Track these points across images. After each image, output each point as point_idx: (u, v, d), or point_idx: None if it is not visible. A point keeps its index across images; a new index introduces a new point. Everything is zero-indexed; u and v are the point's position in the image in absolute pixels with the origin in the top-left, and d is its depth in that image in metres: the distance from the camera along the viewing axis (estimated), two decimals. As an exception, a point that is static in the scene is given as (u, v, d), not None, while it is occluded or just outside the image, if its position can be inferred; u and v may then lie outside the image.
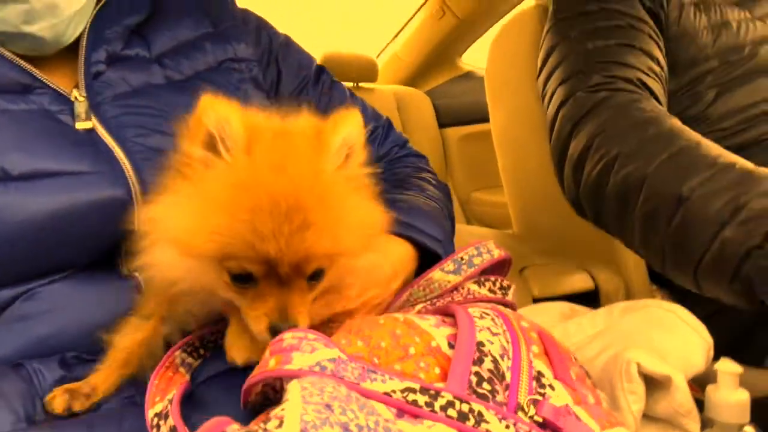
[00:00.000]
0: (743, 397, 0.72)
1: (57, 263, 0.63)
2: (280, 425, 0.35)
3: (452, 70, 2.53)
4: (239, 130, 0.50)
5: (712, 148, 0.86)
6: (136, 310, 0.62)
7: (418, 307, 0.67)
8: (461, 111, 2.45)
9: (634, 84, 1.00)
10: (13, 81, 0.66)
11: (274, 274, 0.49)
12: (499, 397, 0.49)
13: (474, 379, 0.48)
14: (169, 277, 0.52)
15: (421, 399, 0.44)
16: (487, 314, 0.58)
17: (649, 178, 0.83)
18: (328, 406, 0.36)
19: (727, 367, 0.73)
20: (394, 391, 0.44)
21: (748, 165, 0.83)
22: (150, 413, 0.51)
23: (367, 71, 2.46)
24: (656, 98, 1.01)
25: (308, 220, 0.48)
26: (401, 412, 0.43)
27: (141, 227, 0.53)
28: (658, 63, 1.05)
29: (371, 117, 0.89)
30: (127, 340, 0.60)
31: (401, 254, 0.68)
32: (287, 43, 0.87)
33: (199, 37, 0.78)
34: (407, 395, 0.44)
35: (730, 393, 0.72)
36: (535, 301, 0.97)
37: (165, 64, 0.74)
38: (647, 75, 1.02)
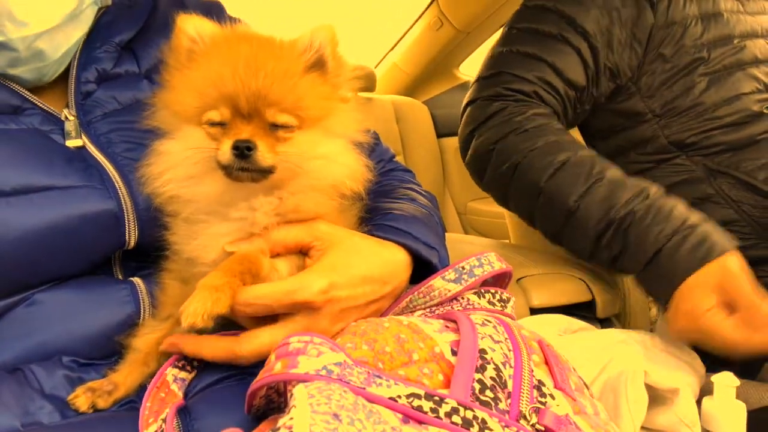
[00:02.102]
0: (740, 409, 0.72)
1: (52, 274, 0.63)
2: None
3: (450, 81, 2.55)
4: (213, 29, 0.63)
5: (586, 158, 1.00)
6: (154, 312, 0.64)
7: (418, 313, 0.67)
8: (459, 121, 2.47)
9: (530, 97, 1.09)
10: (4, 103, 0.67)
11: (240, 115, 0.58)
12: (502, 405, 0.49)
13: (477, 386, 0.48)
14: (173, 162, 0.61)
15: (426, 405, 0.44)
16: (489, 321, 0.58)
17: (543, 191, 1.00)
18: (336, 416, 0.37)
19: (725, 379, 0.74)
20: (399, 396, 0.44)
21: (617, 174, 0.98)
22: None
23: (366, 81, 2.47)
24: (556, 114, 1.11)
25: (263, 69, 0.59)
26: (407, 418, 0.43)
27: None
28: (569, 83, 1.10)
29: None
30: (145, 340, 0.61)
31: (396, 259, 0.68)
32: None
33: None
34: (412, 401, 0.44)
35: (727, 405, 0.72)
36: (533, 311, 0.97)
37: (153, 80, 0.75)
38: (546, 92, 1.10)
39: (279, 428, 0.36)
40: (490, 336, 0.55)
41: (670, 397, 0.71)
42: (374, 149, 0.89)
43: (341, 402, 0.38)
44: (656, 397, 0.71)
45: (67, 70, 0.71)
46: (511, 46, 1.15)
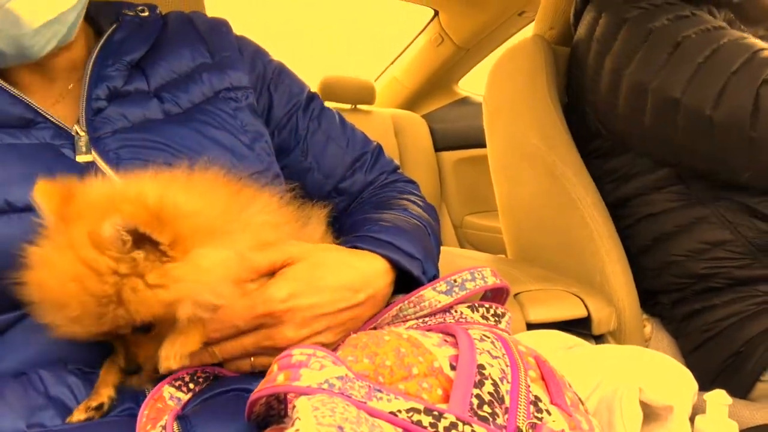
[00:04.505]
0: (732, 428, 0.73)
1: None
2: None
3: (449, 96, 2.57)
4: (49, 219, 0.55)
5: None
6: None
7: (410, 323, 0.68)
8: (457, 135, 2.49)
9: None
10: (15, 116, 0.67)
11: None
12: (499, 420, 0.50)
13: (475, 401, 0.49)
14: None
15: (426, 420, 0.45)
16: (487, 337, 0.59)
17: None
18: (341, 429, 0.37)
19: (717, 398, 0.75)
20: (399, 411, 0.45)
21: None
22: None
23: (365, 94, 2.50)
24: None
25: (79, 311, 0.52)
26: (406, 432, 0.44)
27: None
28: None
29: (361, 143, 0.90)
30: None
31: (372, 268, 0.69)
32: (280, 70, 0.89)
33: (196, 68, 0.79)
34: (412, 415, 0.45)
35: (720, 424, 0.73)
36: (529, 326, 0.98)
37: (163, 99, 0.75)
38: None
39: (285, 440, 0.37)
40: (488, 351, 0.56)
41: (663, 414, 0.71)
42: (377, 161, 0.90)
43: (345, 415, 0.39)
44: (650, 414, 0.72)
45: (77, 87, 0.72)
46: None
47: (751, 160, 0.97)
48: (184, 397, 0.60)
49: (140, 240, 0.52)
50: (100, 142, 0.70)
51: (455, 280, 0.70)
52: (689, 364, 0.93)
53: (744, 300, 1.03)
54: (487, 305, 0.71)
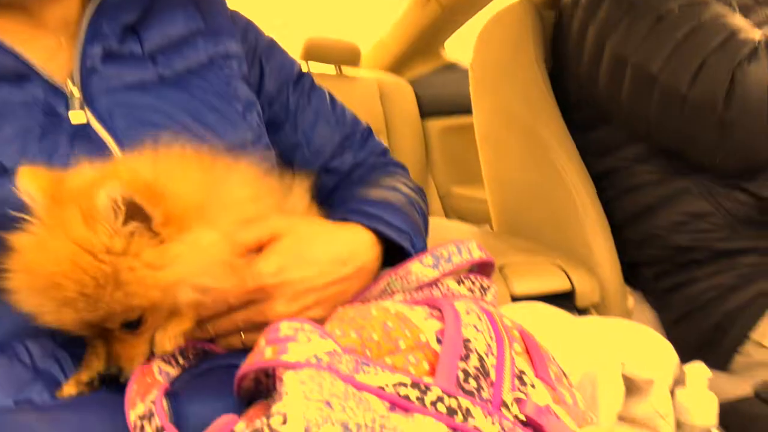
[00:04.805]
0: (712, 400, 0.75)
1: None
2: (284, 422, 0.35)
3: (436, 60, 2.53)
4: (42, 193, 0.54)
5: None
6: None
7: (397, 297, 0.68)
8: (444, 102, 2.46)
9: None
10: (8, 69, 0.65)
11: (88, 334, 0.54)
12: (485, 394, 0.50)
13: (461, 375, 0.49)
14: None
15: (413, 393, 0.45)
16: (473, 310, 0.59)
17: None
18: (328, 404, 0.37)
19: (698, 370, 0.76)
20: (387, 385, 0.44)
21: None
22: (132, 414, 0.51)
23: (350, 56, 2.45)
24: None
25: (72, 295, 0.50)
26: (393, 406, 0.43)
27: None
28: None
29: (350, 122, 0.90)
30: None
31: (358, 239, 0.69)
32: (272, 44, 0.89)
33: (190, 33, 0.78)
34: (399, 389, 0.44)
35: (700, 396, 0.74)
36: (514, 299, 0.99)
37: (158, 61, 0.74)
38: None
39: (273, 415, 0.36)
40: (474, 325, 0.56)
41: (645, 387, 0.72)
42: (366, 142, 0.89)
43: (332, 390, 0.39)
44: (632, 388, 0.73)
45: (70, 42, 0.70)
46: None
47: (722, 142, 0.97)
48: (174, 371, 0.60)
49: (132, 215, 0.51)
50: (94, 101, 0.68)
51: (442, 254, 0.70)
52: (670, 336, 0.94)
53: (725, 272, 1.04)
54: (473, 278, 0.71)
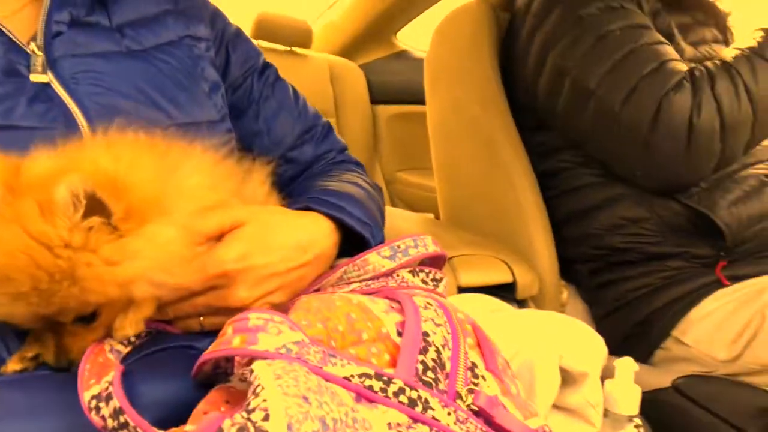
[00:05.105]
0: (636, 391, 0.81)
1: None
2: (266, 419, 0.37)
3: (388, 47, 2.54)
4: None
5: None
6: None
7: (353, 286, 0.70)
8: (394, 89, 2.47)
9: None
10: None
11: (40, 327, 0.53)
12: (441, 386, 0.53)
13: (420, 367, 0.52)
14: None
15: (376, 384, 0.47)
16: (431, 304, 0.62)
17: None
18: (306, 399, 0.38)
19: (626, 364, 0.82)
20: (352, 376, 0.46)
21: None
22: (86, 396, 0.51)
23: (301, 36, 2.42)
24: None
25: (27, 288, 0.49)
26: (359, 397, 0.46)
27: None
28: None
29: (312, 116, 0.92)
30: None
31: (317, 227, 0.71)
32: (238, 33, 0.89)
33: (160, 13, 0.77)
34: (364, 380, 0.47)
35: (627, 388, 0.80)
36: (460, 289, 1.03)
37: (126, 34, 0.73)
38: None
39: (253, 410, 0.37)
40: (432, 319, 0.59)
41: (580, 379, 0.78)
42: (327, 137, 0.91)
43: (308, 384, 0.40)
44: (568, 379, 0.78)
45: (36, 5, 0.69)
46: None
47: (644, 161, 1.06)
48: (124, 350, 0.60)
49: (92, 209, 0.50)
50: (57, 64, 0.67)
51: (399, 246, 0.72)
52: (600, 329, 1.00)
53: (653, 274, 1.12)
54: (426, 270, 0.74)
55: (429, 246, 0.74)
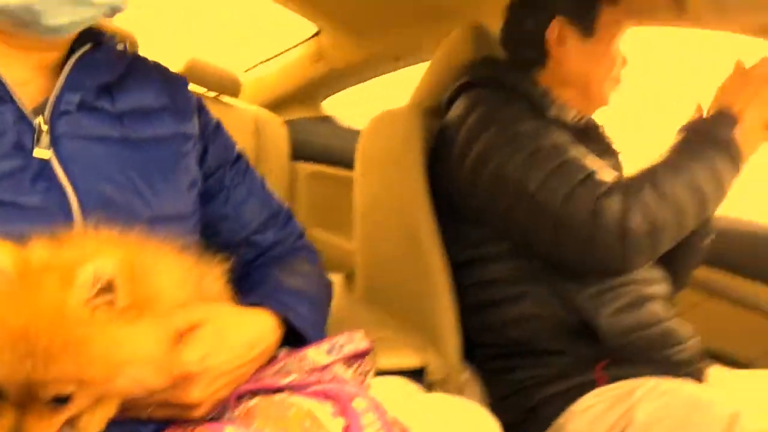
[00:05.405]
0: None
1: None
2: None
3: (314, 110, 2.64)
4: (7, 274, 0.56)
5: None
6: None
7: (293, 376, 0.77)
8: (316, 149, 2.55)
9: None
10: None
11: (13, 398, 0.54)
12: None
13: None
14: None
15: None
16: (369, 408, 0.70)
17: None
18: None
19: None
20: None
21: None
22: None
23: (230, 85, 2.46)
24: None
25: (33, 349, 0.53)
26: None
27: None
28: None
29: (277, 203, 1.00)
30: None
31: (265, 325, 0.78)
32: (218, 125, 0.96)
33: (159, 108, 0.83)
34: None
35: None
36: (377, 372, 1.11)
37: (125, 124, 0.78)
38: None
39: None
40: (371, 424, 0.67)
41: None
42: (288, 223, 0.97)
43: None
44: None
45: (49, 81, 0.73)
46: None
47: (583, 254, 1.19)
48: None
49: (105, 292, 0.55)
50: (58, 142, 0.71)
51: (336, 343, 0.82)
52: (494, 410, 1.12)
53: (543, 367, 1.26)
54: (357, 363, 0.83)
55: (361, 342, 0.84)
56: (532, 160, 1.22)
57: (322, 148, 2.50)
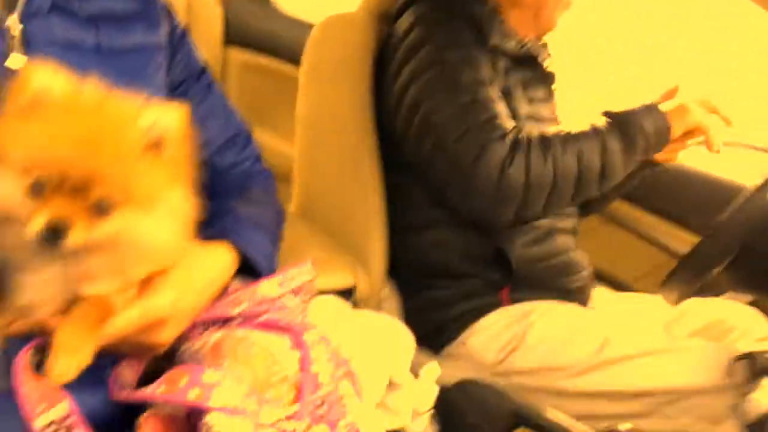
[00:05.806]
0: (435, 391, 1.10)
1: None
2: None
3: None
4: (63, 87, 0.62)
5: None
6: None
7: (243, 306, 0.83)
8: (253, 36, 2.40)
9: None
10: None
11: (62, 189, 0.59)
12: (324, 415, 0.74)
13: (318, 403, 0.72)
14: None
15: (289, 426, 0.66)
16: (319, 341, 0.80)
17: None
18: None
19: (431, 369, 1.10)
20: (278, 420, 0.65)
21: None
22: (39, 422, 0.59)
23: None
24: None
25: (101, 147, 0.61)
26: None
27: None
28: None
29: (238, 124, 1.00)
30: None
31: (226, 262, 0.82)
32: (184, 32, 0.94)
33: (132, 12, 0.82)
34: (284, 424, 0.66)
35: (429, 389, 1.09)
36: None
37: (100, 29, 0.77)
38: None
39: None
40: (320, 357, 0.78)
41: (400, 385, 1.04)
42: (246, 146, 0.99)
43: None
44: (391, 383, 1.04)
45: None
46: None
47: (462, 191, 1.30)
48: None
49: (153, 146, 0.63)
50: (32, 47, 0.69)
51: (287, 275, 0.90)
52: (408, 321, 1.27)
53: (453, 287, 1.42)
54: (303, 291, 0.93)
55: (309, 273, 0.93)
56: (445, 94, 1.29)
57: (262, 35, 2.38)
